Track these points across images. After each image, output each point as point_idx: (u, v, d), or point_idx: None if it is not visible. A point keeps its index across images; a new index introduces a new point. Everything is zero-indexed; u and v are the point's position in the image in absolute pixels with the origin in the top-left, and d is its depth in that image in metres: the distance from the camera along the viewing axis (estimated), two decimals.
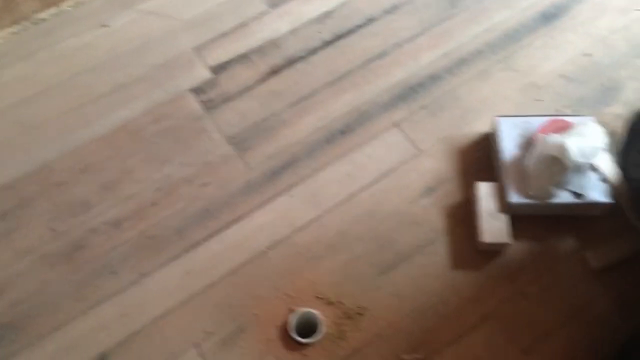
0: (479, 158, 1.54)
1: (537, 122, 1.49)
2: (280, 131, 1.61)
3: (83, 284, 1.40)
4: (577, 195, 1.39)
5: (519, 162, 1.44)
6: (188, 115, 1.64)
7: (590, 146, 1.38)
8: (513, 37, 1.73)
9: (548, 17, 1.76)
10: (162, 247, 1.44)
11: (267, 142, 1.59)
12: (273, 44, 1.76)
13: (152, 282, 1.40)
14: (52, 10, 1.86)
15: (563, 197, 1.39)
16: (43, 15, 1.85)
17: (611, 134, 1.47)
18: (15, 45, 1.80)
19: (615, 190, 1.39)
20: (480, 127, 1.58)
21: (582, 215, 1.43)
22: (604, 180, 1.40)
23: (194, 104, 1.65)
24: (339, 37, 1.76)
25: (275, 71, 1.71)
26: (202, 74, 1.72)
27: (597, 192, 1.39)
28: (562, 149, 1.35)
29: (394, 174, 1.53)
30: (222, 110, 1.64)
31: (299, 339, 1.31)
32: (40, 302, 1.38)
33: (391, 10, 1.81)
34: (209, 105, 1.65)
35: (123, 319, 1.36)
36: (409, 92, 1.65)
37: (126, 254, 1.44)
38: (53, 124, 1.63)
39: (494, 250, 1.40)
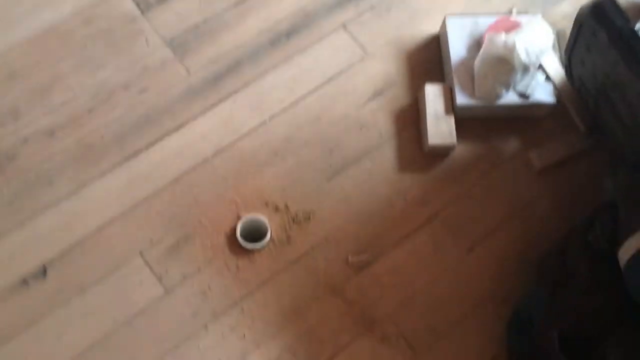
0: (428, 60, 1.50)
1: (486, 22, 1.46)
2: (222, 34, 1.52)
3: (17, 195, 1.34)
4: (524, 95, 1.38)
5: (467, 63, 1.42)
6: (122, 16, 1.53)
7: (538, 46, 1.36)
8: None
9: None
10: (101, 156, 1.38)
11: (208, 45, 1.51)
12: None
13: (92, 192, 1.35)
14: None
15: (509, 98, 1.38)
16: None
17: (559, 33, 1.45)
18: None
19: (560, 90, 1.39)
20: (429, 28, 1.54)
21: (526, 116, 1.43)
22: (549, 80, 1.40)
23: (128, 3, 1.54)
24: None
25: None
26: None
27: (542, 93, 1.39)
28: (509, 48, 1.33)
29: (340, 77, 1.48)
30: (158, 11, 1.54)
31: (246, 244, 1.30)
32: None
33: None
34: (145, 5, 1.54)
35: (63, 230, 1.32)
36: None
37: (62, 163, 1.37)
38: None
39: (439, 153, 1.40)
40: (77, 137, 1.40)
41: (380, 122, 1.44)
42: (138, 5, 1.54)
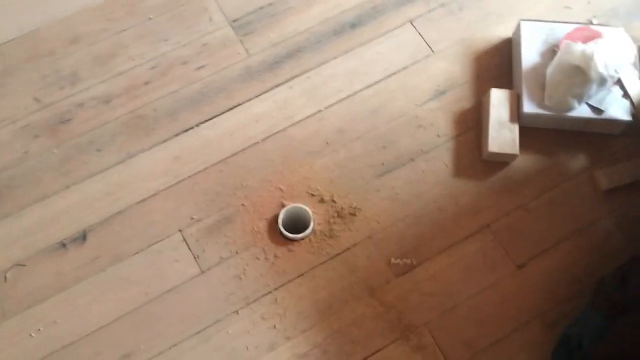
0: (496, 64, 1.43)
1: (563, 30, 1.37)
2: (287, 18, 1.49)
3: (67, 158, 1.34)
4: (596, 110, 1.30)
5: (538, 70, 1.34)
6: None
7: (617, 59, 1.28)
8: None
9: None
10: (152, 128, 1.37)
11: (271, 28, 1.48)
12: None
13: (139, 163, 1.34)
14: None
15: (580, 111, 1.30)
16: None
17: None
18: None
19: (637, 108, 1.30)
20: (501, 31, 1.46)
21: (598, 132, 1.34)
22: (627, 96, 1.30)
23: None
24: None
25: None
26: None
27: (617, 109, 1.30)
28: (587, 58, 1.25)
29: (402, 73, 1.43)
30: None
31: (287, 233, 1.26)
32: (20, 173, 1.32)
33: None
34: None
35: (107, 198, 1.31)
36: None
37: (114, 131, 1.37)
38: None
39: (499, 161, 1.33)
40: (131, 107, 1.39)
41: (439, 123, 1.37)
42: None
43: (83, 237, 1.27)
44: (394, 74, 1.43)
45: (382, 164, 1.34)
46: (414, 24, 1.48)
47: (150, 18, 1.48)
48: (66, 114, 1.38)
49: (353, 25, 1.48)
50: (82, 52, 1.45)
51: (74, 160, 1.34)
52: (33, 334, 1.20)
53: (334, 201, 1.31)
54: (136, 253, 1.26)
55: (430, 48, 1.45)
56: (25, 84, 1.41)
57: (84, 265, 1.25)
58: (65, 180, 1.32)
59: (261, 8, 1.50)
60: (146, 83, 1.41)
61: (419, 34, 1.47)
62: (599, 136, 1.35)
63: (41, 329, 1.20)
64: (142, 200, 1.31)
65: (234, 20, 1.48)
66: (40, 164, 1.33)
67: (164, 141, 1.36)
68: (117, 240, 1.27)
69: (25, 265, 1.25)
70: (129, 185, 1.32)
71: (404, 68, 1.43)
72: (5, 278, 1.24)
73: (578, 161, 1.34)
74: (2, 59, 1.44)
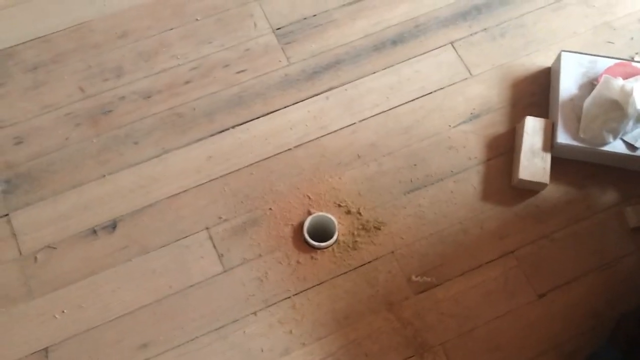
0: (533, 92, 1.44)
1: (604, 64, 1.37)
2: (329, 30, 1.52)
3: (105, 148, 1.38)
4: (631, 147, 1.29)
5: (575, 102, 1.34)
6: None
7: None
8: None
9: None
10: (189, 126, 1.40)
11: (313, 39, 1.51)
12: None
13: (173, 159, 1.37)
14: None
15: (615, 146, 1.30)
16: None
17: None
18: None
19: None
20: (541, 60, 1.47)
21: (630, 169, 1.34)
22: None
23: None
24: None
25: None
26: None
27: None
28: (625, 94, 1.25)
29: (439, 93, 1.44)
30: None
31: (312, 241, 1.27)
32: (59, 159, 1.37)
33: None
34: None
35: (140, 190, 1.34)
36: (472, 11, 1.53)
37: (152, 126, 1.40)
38: None
39: (529, 189, 1.33)
40: (170, 104, 1.42)
41: (471, 145, 1.38)
42: None
43: (113, 225, 1.30)
44: (431, 93, 1.44)
45: (411, 181, 1.35)
46: (455, 46, 1.50)
47: (197, 20, 1.52)
48: (108, 105, 1.42)
49: (394, 42, 1.50)
50: (127, 47, 1.49)
51: (111, 150, 1.37)
52: (57, 316, 1.23)
53: (360, 214, 1.32)
54: (163, 246, 1.29)
55: (469, 71, 1.46)
56: (71, 73, 1.46)
57: (112, 253, 1.28)
58: (102, 170, 1.35)
59: (305, 18, 1.53)
60: (187, 82, 1.45)
61: (459, 56, 1.48)
62: (632, 173, 1.34)
63: (65, 311, 1.24)
64: (173, 195, 1.34)
65: (278, 29, 1.51)
66: (79, 152, 1.37)
67: (199, 140, 1.39)
68: (146, 231, 1.30)
69: (56, 248, 1.28)
70: (162, 179, 1.35)
71: (441, 88, 1.45)
72: (36, 259, 1.28)
73: (608, 196, 1.33)
74: (52, 47, 1.48)
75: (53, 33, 1.50)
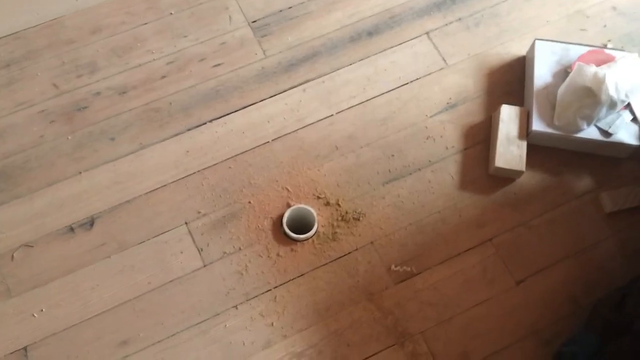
0: (508, 81, 1.45)
1: (577, 51, 1.39)
2: (305, 22, 1.51)
3: (80, 145, 1.36)
4: (605, 133, 1.31)
5: (550, 90, 1.35)
6: None
7: (629, 83, 1.29)
8: None
9: None
10: (165, 121, 1.39)
11: (289, 31, 1.50)
12: None
13: (150, 155, 1.36)
14: None
15: (589, 132, 1.31)
16: None
17: None
18: None
19: None
20: (515, 49, 1.48)
21: (604, 155, 1.35)
22: (636, 121, 1.31)
23: None
24: None
25: None
26: None
27: (626, 133, 1.31)
28: (598, 80, 1.27)
29: (415, 84, 1.45)
30: None
31: (291, 233, 1.27)
32: (34, 156, 1.35)
33: None
34: None
35: (116, 187, 1.33)
36: (447, 1, 1.54)
37: (128, 122, 1.39)
38: None
39: (505, 177, 1.34)
40: (146, 99, 1.41)
41: (448, 135, 1.39)
42: None
43: (91, 223, 1.29)
44: (407, 84, 1.45)
45: (389, 171, 1.36)
46: (430, 36, 1.50)
47: (171, 14, 1.51)
48: (82, 101, 1.41)
49: (370, 34, 1.50)
50: (101, 42, 1.48)
51: (87, 147, 1.36)
52: (35, 314, 1.22)
53: (339, 205, 1.32)
54: (141, 242, 1.29)
55: (445, 61, 1.47)
56: (44, 70, 1.44)
57: (90, 251, 1.27)
58: (77, 167, 1.34)
59: (280, 11, 1.52)
60: (162, 77, 1.44)
61: (435, 46, 1.49)
62: (606, 159, 1.36)
63: (44, 309, 1.23)
64: (150, 191, 1.33)
65: (253, 21, 1.51)
66: (54, 149, 1.36)
67: (176, 135, 1.38)
68: (124, 228, 1.29)
69: (32, 246, 1.27)
70: (139, 175, 1.34)
71: (417, 79, 1.45)
72: (13, 257, 1.26)
73: (583, 182, 1.35)
74: (24, 44, 1.46)
75: (25, 29, 1.48)
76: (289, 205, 1.32)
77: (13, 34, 1.48)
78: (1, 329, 1.21)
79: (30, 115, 1.39)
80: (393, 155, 1.37)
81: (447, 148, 1.38)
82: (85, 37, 1.48)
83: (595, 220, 1.31)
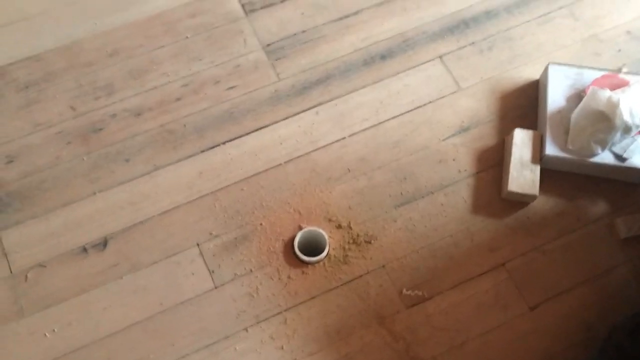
0: (521, 105, 1.44)
1: (591, 76, 1.38)
2: (318, 46, 1.53)
3: (96, 166, 1.38)
4: (619, 157, 1.30)
5: (563, 114, 1.35)
6: (227, 15, 1.57)
7: None
8: None
9: None
10: (180, 143, 1.41)
11: (303, 55, 1.52)
12: None
13: (164, 176, 1.37)
14: None
15: (603, 157, 1.30)
16: None
17: None
18: None
19: None
20: (529, 73, 1.48)
21: (619, 180, 1.34)
22: None
23: (234, 3, 1.58)
24: None
25: None
26: None
27: None
28: (612, 105, 1.26)
29: (428, 107, 1.45)
30: (262, 15, 1.57)
31: (303, 256, 1.27)
32: (51, 177, 1.37)
33: None
34: (250, 8, 1.58)
35: (130, 207, 1.34)
36: (460, 25, 1.55)
37: (143, 144, 1.41)
38: (91, 2, 1.57)
39: (518, 201, 1.33)
40: (161, 121, 1.43)
41: (460, 158, 1.39)
42: (243, 6, 1.58)
43: (104, 243, 1.30)
44: (420, 107, 1.45)
45: (401, 194, 1.35)
46: (443, 60, 1.51)
47: (187, 37, 1.53)
48: (99, 123, 1.43)
49: (383, 57, 1.51)
50: (118, 65, 1.50)
51: (102, 168, 1.38)
52: (48, 334, 1.23)
53: (350, 228, 1.32)
54: (154, 263, 1.29)
55: (458, 84, 1.47)
56: (62, 91, 1.46)
57: (102, 271, 1.28)
58: (93, 187, 1.36)
59: (294, 35, 1.54)
60: (177, 99, 1.46)
61: (448, 69, 1.49)
62: (621, 184, 1.34)
63: (56, 330, 1.23)
64: (164, 212, 1.34)
65: (268, 45, 1.52)
66: (70, 170, 1.37)
67: (190, 156, 1.39)
68: (137, 249, 1.30)
69: (46, 266, 1.28)
70: (153, 196, 1.35)
71: (430, 102, 1.45)
72: (26, 277, 1.27)
73: (598, 207, 1.33)
74: (43, 66, 1.49)
75: (44, 52, 1.51)
76: (300, 228, 1.32)
77: (33, 56, 1.51)
78: (14, 348, 1.22)
79: (47, 136, 1.41)
80: (405, 178, 1.37)
81: (459, 171, 1.37)
82: (103, 60, 1.51)
83: (610, 245, 1.30)
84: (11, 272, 1.28)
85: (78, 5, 1.58)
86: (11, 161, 1.38)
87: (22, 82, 1.47)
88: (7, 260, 1.29)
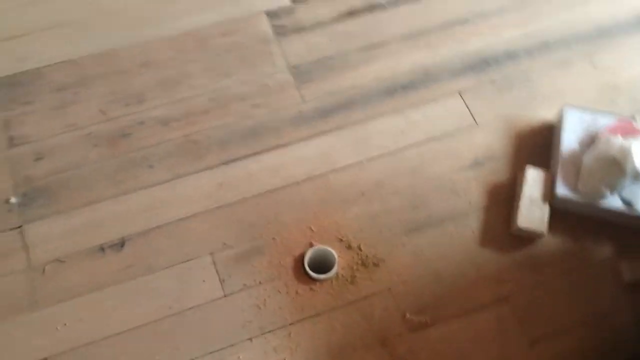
0: (535, 145, 1.48)
1: (605, 121, 1.42)
2: (344, 72, 1.59)
3: (120, 169, 1.44)
4: (628, 203, 1.33)
5: (576, 156, 1.39)
6: (257, 36, 1.63)
7: None
8: (605, 34, 1.65)
9: None
10: (203, 154, 1.46)
11: (328, 79, 1.57)
12: None
13: (184, 185, 1.42)
14: None
15: (612, 201, 1.33)
16: None
17: None
18: None
19: None
20: (545, 114, 1.52)
21: (626, 225, 1.37)
22: None
23: (266, 26, 1.65)
24: None
25: (353, 13, 1.68)
26: (281, 1, 1.70)
27: None
28: (625, 151, 1.29)
29: (445, 139, 1.49)
30: (291, 39, 1.63)
31: (311, 273, 1.31)
32: (77, 176, 1.42)
33: None
34: (280, 31, 1.64)
35: (150, 212, 1.39)
36: (481, 64, 1.60)
37: (167, 152, 1.46)
38: (129, 14, 1.65)
39: (526, 237, 1.36)
40: (186, 132, 1.49)
41: (472, 191, 1.42)
42: (275, 29, 1.64)
43: (121, 244, 1.35)
44: (437, 138, 1.49)
45: (412, 221, 1.39)
46: (463, 95, 1.55)
47: (218, 54, 1.59)
48: (127, 129, 1.49)
49: (405, 88, 1.56)
50: (150, 75, 1.57)
51: (126, 172, 1.43)
52: (59, 328, 1.27)
53: (360, 249, 1.36)
54: (167, 267, 1.33)
55: (475, 120, 1.52)
56: (95, 96, 1.53)
57: (117, 271, 1.32)
58: (116, 190, 1.41)
59: (322, 59, 1.60)
60: (204, 112, 1.51)
61: (466, 105, 1.54)
62: (628, 229, 1.37)
63: (67, 324, 1.27)
64: (181, 219, 1.38)
65: (295, 67, 1.58)
66: (96, 171, 1.43)
67: (211, 168, 1.44)
68: (152, 252, 1.35)
69: (64, 261, 1.33)
70: (173, 203, 1.40)
71: (447, 135, 1.50)
72: (44, 271, 1.32)
73: (604, 249, 1.36)
74: (80, 70, 1.56)
75: (81, 57, 1.58)
76: (311, 245, 1.36)
77: (70, 60, 1.58)
78: (25, 338, 1.26)
79: (77, 137, 1.47)
80: (417, 206, 1.41)
81: (470, 203, 1.41)
82: (136, 69, 1.57)
83: (614, 289, 1.32)
84: (30, 264, 1.33)
85: (116, 16, 1.65)
86: (40, 158, 1.44)
87: (57, 84, 1.54)
88: (28, 253, 1.33)
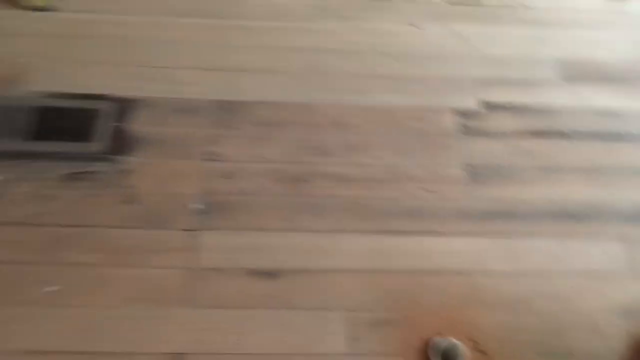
0: None
1: None
2: (515, 184, 1.65)
3: (293, 208, 1.58)
4: None
5: None
6: (443, 128, 1.75)
7: None
8: None
9: None
10: (367, 217, 1.57)
11: (499, 186, 1.64)
12: (549, 111, 1.80)
13: (344, 240, 1.53)
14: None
15: None
16: None
17: None
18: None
19: None
20: None
21: None
22: None
23: (452, 122, 1.76)
24: (614, 137, 1.76)
25: (537, 134, 1.76)
26: (471, 103, 1.81)
27: None
28: None
29: (598, 277, 1.50)
30: (473, 140, 1.73)
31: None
32: (255, 202, 1.58)
33: None
34: (465, 131, 1.74)
35: (308, 254, 1.51)
36: None
37: (337, 206, 1.59)
38: (339, 78, 1.83)
39: None
40: (358, 194, 1.61)
41: (616, 339, 1.41)
42: (459, 127, 1.75)
43: (276, 275, 1.47)
44: (589, 274, 1.50)
45: (548, 347, 1.40)
46: (624, 242, 1.56)
47: (403, 133, 1.72)
48: (307, 175, 1.63)
49: (571, 216, 1.59)
50: (339, 134, 1.72)
51: (297, 212, 1.57)
52: (195, 330, 1.39)
53: (486, 354, 1.38)
54: (306, 309, 1.43)
55: (631, 268, 1.51)
56: (288, 139, 1.70)
57: (263, 297, 1.44)
58: (284, 224, 1.55)
59: (497, 166, 1.68)
60: (378, 181, 1.63)
61: (626, 251, 1.54)
62: None
63: (205, 329, 1.40)
64: (332, 270, 1.48)
65: (470, 165, 1.67)
66: (272, 203, 1.58)
67: (372, 232, 1.55)
68: (298, 291, 1.45)
69: (223, 273, 1.47)
70: (329, 253, 1.51)
71: (601, 273, 1.50)
72: (204, 276, 1.46)
73: None
74: (281, 112, 1.75)
75: (286, 103, 1.77)
76: (441, 335, 1.40)
77: (275, 102, 1.77)
78: (170, 328, 1.39)
79: (265, 169, 1.64)
80: (558, 334, 1.41)
81: (611, 350, 1.39)
82: (328, 126, 1.73)
83: None
84: (194, 265, 1.48)
85: (324, 77, 1.84)
86: (229, 177, 1.62)
87: (260, 119, 1.73)
88: (196, 255, 1.49)
